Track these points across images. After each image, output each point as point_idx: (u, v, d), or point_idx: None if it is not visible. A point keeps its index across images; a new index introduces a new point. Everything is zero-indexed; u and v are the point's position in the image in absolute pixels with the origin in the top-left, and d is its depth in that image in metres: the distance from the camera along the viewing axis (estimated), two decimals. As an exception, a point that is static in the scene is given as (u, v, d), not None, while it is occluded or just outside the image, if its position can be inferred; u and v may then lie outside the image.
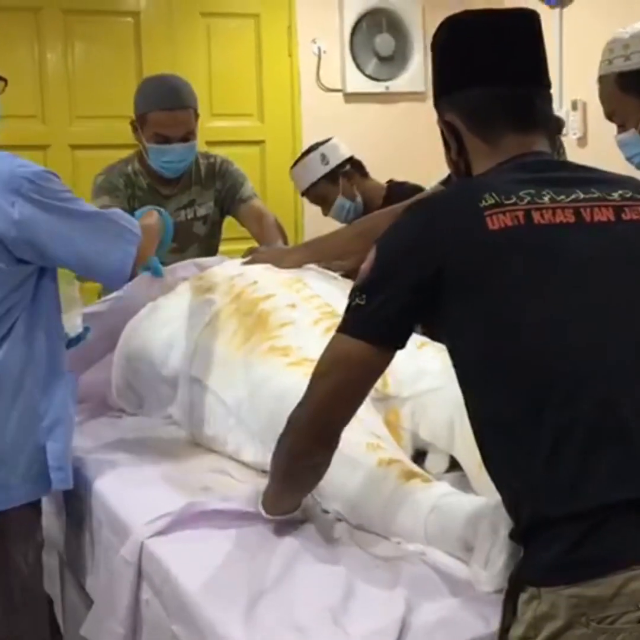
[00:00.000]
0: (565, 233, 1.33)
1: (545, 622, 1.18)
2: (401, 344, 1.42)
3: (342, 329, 1.40)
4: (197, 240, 3.03)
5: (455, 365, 1.40)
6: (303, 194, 3.27)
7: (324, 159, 3.16)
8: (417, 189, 3.05)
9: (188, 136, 2.90)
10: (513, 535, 1.32)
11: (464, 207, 1.35)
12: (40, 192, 1.85)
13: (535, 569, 1.23)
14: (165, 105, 2.86)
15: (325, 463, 1.53)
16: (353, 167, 3.19)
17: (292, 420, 1.50)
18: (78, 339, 2.22)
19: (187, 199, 3.03)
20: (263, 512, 1.71)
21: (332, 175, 3.15)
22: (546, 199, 1.34)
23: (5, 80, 2.15)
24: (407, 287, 1.34)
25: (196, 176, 3.05)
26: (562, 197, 1.35)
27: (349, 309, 1.40)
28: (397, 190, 3.15)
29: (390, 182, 3.23)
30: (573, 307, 1.29)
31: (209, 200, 3.08)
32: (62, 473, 1.98)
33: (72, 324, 2.29)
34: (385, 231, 1.42)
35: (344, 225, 3.19)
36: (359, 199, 3.17)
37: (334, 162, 3.16)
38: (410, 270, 1.34)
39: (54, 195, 1.87)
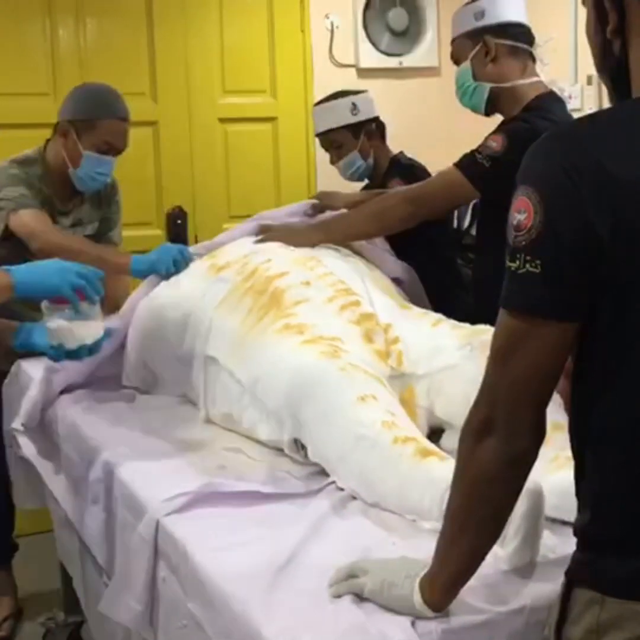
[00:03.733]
0: None
1: (608, 630, 1.12)
2: (586, 312, 1.12)
3: (515, 303, 1.13)
4: None
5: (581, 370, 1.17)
6: (317, 135, 3.20)
7: (354, 108, 3.10)
8: (410, 167, 3.05)
9: (123, 150, 2.89)
10: (584, 535, 1.19)
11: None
12: None
13: (602, 575, 1.15)
14: (121, 115, 2.85)
15: (535, 460, 1.21)
16: (377, 128, 3.16)
17: (478, 427, 1.19)
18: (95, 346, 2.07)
19: (76, 217, 2.97)
20: (421, 605, 1.32)
21: (356, 128, 3.10)
22: None
23: None
24: (587, 242, 1.07)
25: (88, 194, 2.99)
26: None
27: (514, 276, 1.12)
28: (395, 165, 3.13)
29: (395, 156, 3.20)
30: None
31: (96, 220, 3.03)
32: None
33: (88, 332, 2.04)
34: (546, 166, 1.10)
35: (346, 181, 3.19)
36: (370, 160, 3.14)
37: (362, 116, 3.10)
38: (582, 231, 1.07)
39: None
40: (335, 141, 3.13)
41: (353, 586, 1.39)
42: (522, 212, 1.11)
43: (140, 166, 4.01)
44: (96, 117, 2.82)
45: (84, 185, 2.88)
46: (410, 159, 3.15)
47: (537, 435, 1.19)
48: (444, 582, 1.31)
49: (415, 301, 2.51)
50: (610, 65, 1.19)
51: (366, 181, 3.20)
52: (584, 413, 1.17)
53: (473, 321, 2.13)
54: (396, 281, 2.61)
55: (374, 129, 3.12)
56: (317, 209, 2.77)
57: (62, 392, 2.49)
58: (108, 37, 4.06)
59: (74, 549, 2.36)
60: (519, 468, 1.21)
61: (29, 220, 2.73)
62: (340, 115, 3.11)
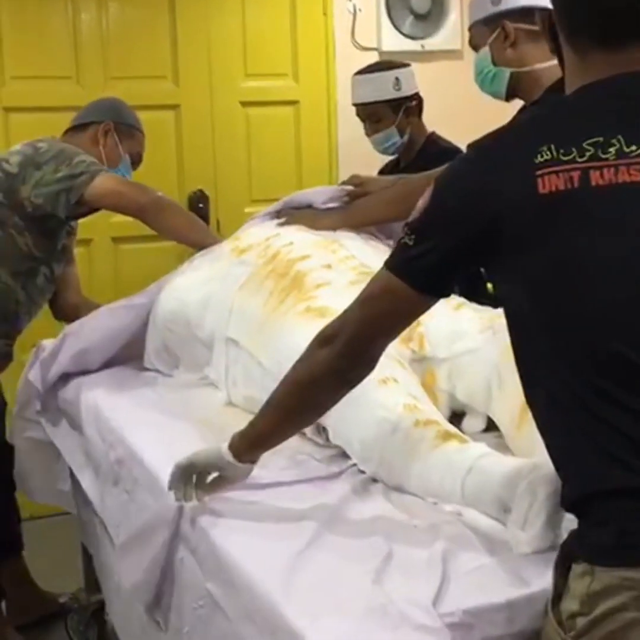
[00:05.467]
0: (629, 196, 1.18)
1: (598, 600, 1.15)
2: (444, 293, 1.38)
3: (388, 262, 1.38)
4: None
5: (508, 324, 1.32)
6: (355, 104, 3.19)
7: (397, 83, 3.07)
8: (448, 152, 3.02)
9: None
10: (564, 504, 1.28)
11: (519, 163, 1.23)
12: None
13: (589, 545, 1.19)
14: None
15: (355, 383, 1.49)
16: (417, 105, 3.14)
17: (326, 337, 1.47)
18: None
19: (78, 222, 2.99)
20: (231, 458, 1.61)
21: (396, 104, 3.08)
22: (612, 151, 1.19)
23: None
24: (456, 241, 1.28)
25: None
26: (633, 147, 1.19)
27: (398, 243, 1.36)
28: (431, 146, 3.11)
29: (431, 135, 3.19)
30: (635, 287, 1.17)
31: None
32: None
33: None
34: (444, 171, 1.35)
35: (378, 154, 3.19)
36: (406, 137, 3.12)
37: (405, 92, 3.08)
38: (461, 224, 1.27)
39: None
40: (374, 114, 3.10)
41: (179, 472, 1.66)
42: (424, 197, 1.33)
43: (162, 150, 4.00)
44: (136, 128, 2.90)
45: None
46: (448, 141, 3.12)
47: (363, 364, 1.47)
48: (251, 439, 1.61)
49: None
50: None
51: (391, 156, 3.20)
52: (525, 382, 1.31)
53: (495, 305, 2.12)
54: None
55: (413, 106, 3.10)
56: (353, 197, 2.74)
57: (83, 374, 2.51)
58: (130, 20, 4.07)
59: (94, 530, 2.38)
60: (338, 380, 1.48)
61: (117, 181, 2.67)
62: (383, 89, 3.08)
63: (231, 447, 1.62)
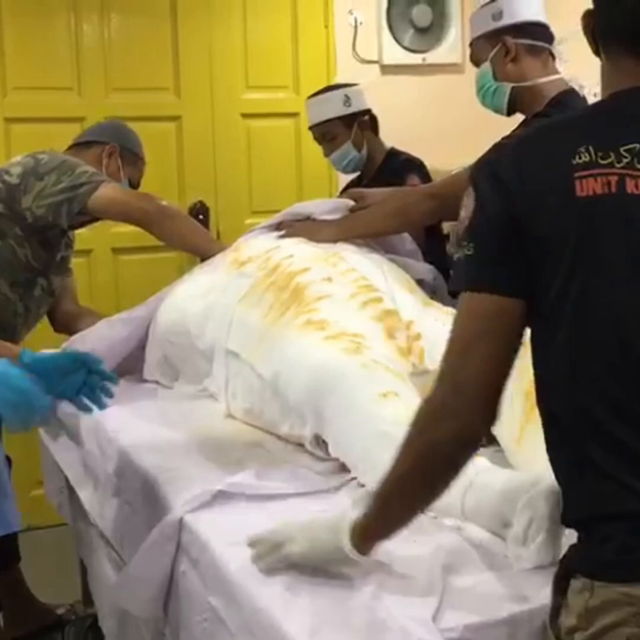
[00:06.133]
0: None
1: (596, 616, 1.14)
2: (526, 290, 1.23)
3: (462, 283, 1.26)
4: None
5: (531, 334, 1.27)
6: (311, 128, 3.25)
7: (347, 100, 3.15)
8: (411, 162, 3.07)
9: None
10: (565, 521, 1.27)
11: (556, 163, 1.21)
12: None
13: (589, 560, 1.18)
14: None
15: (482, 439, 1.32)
16: (370, 120, 3.19)
17: (443, 410, 1.26)
18: None
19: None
20: (351, 551, 1.39)
21: (349, 120, 3.15)
22: None
23: None
24: (503, 242, 1.22)
25: None
26: None
27: (457, 263, 1.28)
28: (393, 159, 3.16)
29: (391, 150, 3.23)
30: None
31: None
32: None
33: None
34: (482, 171, 1.28)
35: (339, 172, 3.30)
36: (364, 152, 3.18)
37: (355, 108, 3.16)
38: (503, 225, 1.22)
39: None
40: (328, 133, 3.17)
41: (282, 557, 1.45)
42: (467, 206, 1.27)
43: (163, 161, 4.01)
44: (140, 156, 2.90)
45: None
46: (408, 154, 3.18)
47: (492, 419, 1.27)
48: (376, 533, 1.39)
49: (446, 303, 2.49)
50: None
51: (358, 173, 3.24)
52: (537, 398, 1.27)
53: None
54: (420, 283, 2.59)
55: (366, 120, 3.16)
56: (354, 211, 2.75)
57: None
58: (132, 32, 4.08)
59: (90, 542, 2.37)
60: (472, 449, 1.29)
61: (121, 190, 2.68)
62: (333, 107, 3.16)
63: (354, 541, 1.39)
